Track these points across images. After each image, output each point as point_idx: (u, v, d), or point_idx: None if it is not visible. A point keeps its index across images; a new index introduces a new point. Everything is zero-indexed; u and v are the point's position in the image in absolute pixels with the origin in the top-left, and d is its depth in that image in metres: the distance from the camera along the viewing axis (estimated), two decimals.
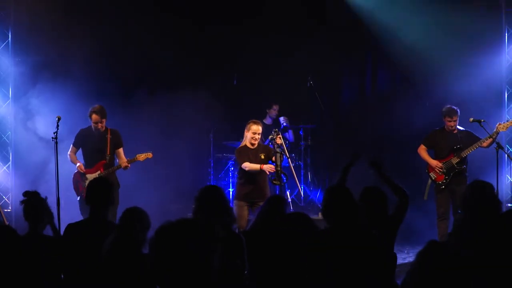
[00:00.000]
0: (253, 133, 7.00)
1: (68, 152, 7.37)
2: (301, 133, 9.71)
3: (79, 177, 7.32)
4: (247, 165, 6.91)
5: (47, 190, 8.44)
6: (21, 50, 9.31)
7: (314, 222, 4.03)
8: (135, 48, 9.69)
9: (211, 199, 4.21)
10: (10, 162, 9.23)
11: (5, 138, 9.28)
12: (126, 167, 7.28)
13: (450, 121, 7.52)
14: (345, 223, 3.76)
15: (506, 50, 9.16)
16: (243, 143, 7.13)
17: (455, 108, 7.56)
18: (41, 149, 8.98)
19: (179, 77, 9.87)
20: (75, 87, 9.00)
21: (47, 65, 9.24)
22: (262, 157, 7.02)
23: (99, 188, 4.39)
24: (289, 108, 9.89)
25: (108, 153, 7.21)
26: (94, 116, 7.15)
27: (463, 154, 7.47)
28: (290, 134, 9.69)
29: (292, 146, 9.60)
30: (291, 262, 3.28)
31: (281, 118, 9.59)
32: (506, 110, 9.18)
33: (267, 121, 9.72)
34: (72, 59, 9.21)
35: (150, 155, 7.45)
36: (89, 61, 9.22)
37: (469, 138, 7.53)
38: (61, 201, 6.60)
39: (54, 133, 6.87)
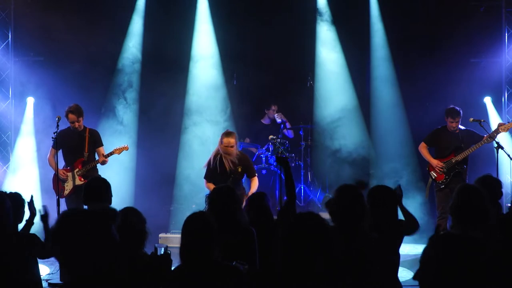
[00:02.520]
0: (225, 147, 6.83)
1: (48, 156, 7.27)
2: (301, 133, 9.70)
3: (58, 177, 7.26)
4: (206, 187, 6.96)
5: (46, 190, 8.57)
6: (21, 50, 9.32)
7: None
8: (135, 47, 9.69)
9: (223, 200, 4.24)
10: (10, 162, 9.23)
11: (5, 138, 9.28)
12: (104, 162, 7.24)
13: (452, 122, 7.52)
14: (350, 224, 3.78)
15: (506, 50, 9.17)
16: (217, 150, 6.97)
17: (458, 109, 7.55)
18: (41, 149, 8.99)
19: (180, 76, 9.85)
20: (75, 87, 9.00)
21: (47, 65, 9.25)
22: (239, 170, 6.90)
23: (98, 187, 4.36)
24: (289, 108, 9.89)
25: (86, 151, 7.18)
26: (70, 115, 7.11)
27: (464, 155, 7.48)
28: (289, 133, 9.67)
29: (292, 146, 9.59)
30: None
31: (276, 115, 9.58)
32: (506, 110, 9.19)
33: (265, 121, 9.74)
34: (72, 59, 9.22)
35: (126, 147, 7.42)
36: (90, 60, 9.24)
37: (471, 138, 7.53)
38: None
39: (54, 133, 6.88)
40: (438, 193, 7.62)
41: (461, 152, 7.49)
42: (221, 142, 6.86)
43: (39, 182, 9.09)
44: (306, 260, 2.77)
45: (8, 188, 8.46)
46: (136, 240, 3.60)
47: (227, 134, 6.92)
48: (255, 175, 7.12)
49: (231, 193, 4.35)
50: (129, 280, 3.44)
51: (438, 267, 2.45)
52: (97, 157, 7.35)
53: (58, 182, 6.99)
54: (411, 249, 7.54)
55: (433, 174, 7.60)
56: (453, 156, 7.52)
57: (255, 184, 7.01)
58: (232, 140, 6.84)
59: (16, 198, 4.42)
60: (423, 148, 7.78)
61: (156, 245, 3.91)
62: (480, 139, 7.44)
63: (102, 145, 7.41)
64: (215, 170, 6.84)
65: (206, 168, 6.96)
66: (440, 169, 7.53)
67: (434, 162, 7.58)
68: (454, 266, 2.43)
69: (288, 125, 9.65)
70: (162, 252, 3.89)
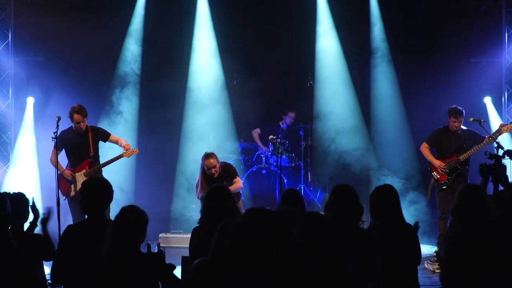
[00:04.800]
0: (208, 169, 6.82)
1: (50, 156, 7.22)
2: (301, 133, 9.70)
3: (63, 179, 7.24)
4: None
5: (47, 190, 8.58)
6: (21, 50, 9.32)
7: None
8: (136, 46, 9.69)
9: (218, 198, 4.29)
10: (10, 162, 9.23)
11: (5, 138, 9.28)
12: (126, 145, 7.27)
13: (455, 122, 7.45)
14: (346, 223, 3.81)
15: (506, 50, 9.17)
16: (201, 176, 6.91)
17: (460, 108, 7.50)
18: (41, 149, 8.98)
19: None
20: (75, 86, 9.01)
21: (47, 65, 9.25)
22: (224, 183, 6.84)
23: (96, 187, 4.33)
24: (289, 108, 9.90)
25: (91, 152, 7.18)
26: (76, 116, 7.07)
27: (466, 155, 7.42)
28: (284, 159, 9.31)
29: (292, 146, 9.60)
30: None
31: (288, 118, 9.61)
32: (506, 110, 9.19)
33: (283, 125, 9.73)
34: (72, 59, 9.23)
35: (136, 151, 7.43)
36: (90, 60, 9.24)
37: (473, 138, 7.48)
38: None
39: (54, 133, 6.86)
40: (439, 194, 7.57)
41: (463, 152, 7.44)
42: (204, 165, 6.84)
43: (39, 182, 9.09)
44: (312, 259, 2.77)
45: (8, 188, 8.46)
46: (133, 239, 3.60)
47: (207, 156, 6.88)
48: (237, 176, 7.09)
49: (226, 192, 4.41)
50: (125, 278, 3.46)
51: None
52: (101, 158, 7.34)
53: (60, 183, 6.97)
54: None
55: (435, 174, 7.53)
56: (455, 157, 7.46)
57: (236, 185, 6.99)
58: (213, 161, 6.82)
59: (20, 198, 4.42)
60: (425, 149, 7.70)
61: (149, 242, 3.91)
62: (482, 140, 7.39)
63: (109, 134, 7.42)
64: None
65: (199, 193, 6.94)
66: (443, 169, 7.47)
67: (437, 162, 7.52)
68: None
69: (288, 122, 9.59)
70: (156, 250, 3.89)
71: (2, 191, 4.62)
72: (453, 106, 7.59)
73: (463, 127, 7.54)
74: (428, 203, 8.52)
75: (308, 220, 2.89)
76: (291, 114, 9.72)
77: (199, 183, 6.93)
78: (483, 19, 9.14)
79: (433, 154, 7.68)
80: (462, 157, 7.43)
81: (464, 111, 7.51)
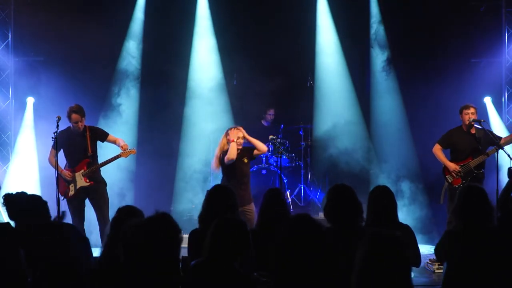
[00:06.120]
0: (237, 138, 6.78)
1: (48, 157, 7.21)
2: (301, 133, 9.71)
3: (62, 179, 7.21)
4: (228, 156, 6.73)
5: (46, 190, 8.57)
6: (21, 50, 9.33)
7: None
8: (135, 45, 9.70)
9: (219, 196, 4.38)
10: (10, 162, 9.23)
11: (5, 138, 9.28)
12: (124, 145, 7.22)
13: (467, 113, 7.11)
14: (347, 223, 3.80)
15: (506, 50, 9.17)
16: (223, 149, 6.84)
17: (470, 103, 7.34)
18: (41, 148, 8.99)
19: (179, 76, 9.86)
20: (75, 86, 9.01)
21: (47, 65, 9.25)
22: (245, 161, 6.84)
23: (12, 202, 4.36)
24: (289, 108, 9.90)
25: (90, 152, 7.16)
26: (74, 115, 7.04)
27: (482, 158, 7.06)
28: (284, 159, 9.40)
29: (292, 146, 9.61)
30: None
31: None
32: (506, 110, 9.19)
33: (265, 123, 9.86)
34: (72, 59, 9.23)
35: (134, 151, 7.41)
36: (90, 59, 9.24)
37: (487, 138, 7.08)
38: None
39: (54, 133, 6.85)
40: (451, 198, 7.02)
41: (478, 155, 7.07)
42: (233, 135, 6.79)
43: (39, 182, 9.09)
44: (301, 261, 2.77)
45: (8, 188, 8.46)
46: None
47: (234, 127, 6.94)
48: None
49: (228, 191, 4.47)
50: None
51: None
52: (99, 158, 7.33)
53: (58, 183, 6.96)
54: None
55: (449, 178, 7.16)
56: (471, 159, 7.09)
57: (262, 146, 6.95)
58: (240, 128, 6.88)
59: (37, 199, 4.43)
60: (437, 150, 7.31)
61: None
62: (496, 140, 7.01)
63: (107, 134, 7.38)
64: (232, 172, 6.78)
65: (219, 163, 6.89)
66: (457, 173, 7.09)
67: (452, 166, 7.12)
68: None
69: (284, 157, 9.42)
70: None
71: (2, 192, 4.61)
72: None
73: (477, 126, 7.16)
74: (428, 204, 8.52)
75: (295, 222, 2.89)
76: (271, 111, 9.84)
77: (217, 156, 6.90)
78: (483, 19, 9.14)
79: (445, 155, 7.32)
80: (477, 160, 7.08)
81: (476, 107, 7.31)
